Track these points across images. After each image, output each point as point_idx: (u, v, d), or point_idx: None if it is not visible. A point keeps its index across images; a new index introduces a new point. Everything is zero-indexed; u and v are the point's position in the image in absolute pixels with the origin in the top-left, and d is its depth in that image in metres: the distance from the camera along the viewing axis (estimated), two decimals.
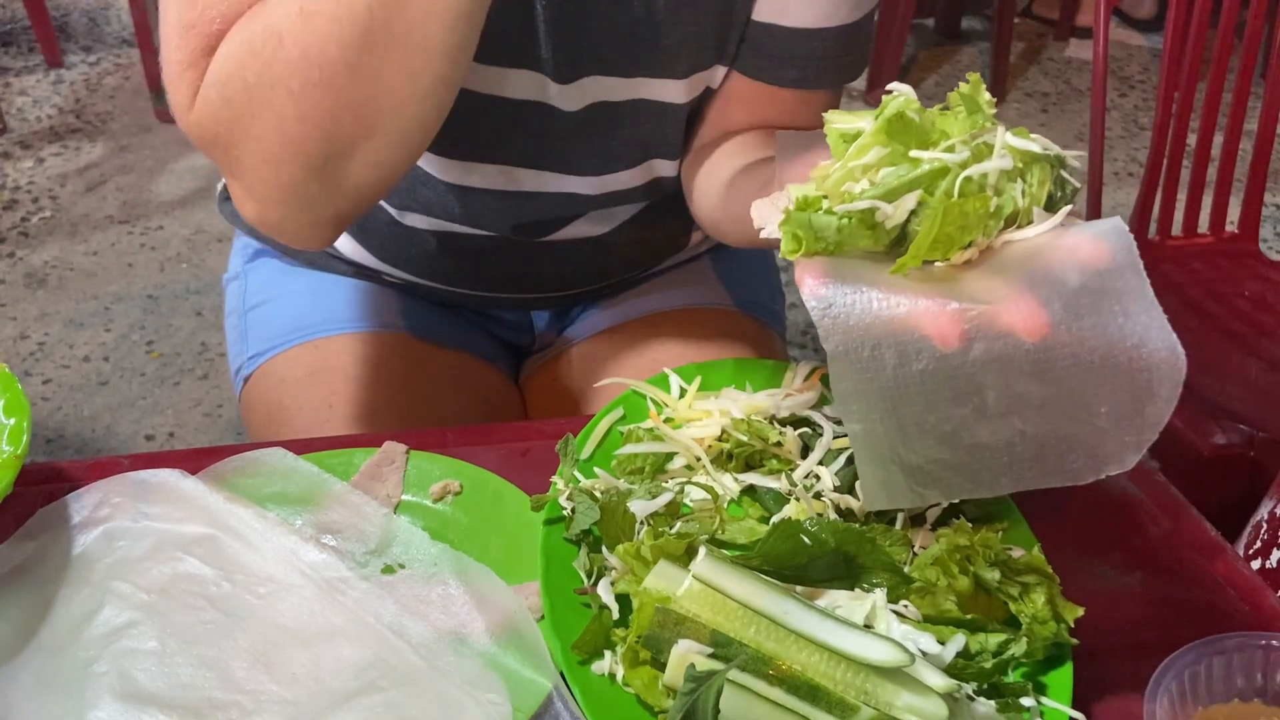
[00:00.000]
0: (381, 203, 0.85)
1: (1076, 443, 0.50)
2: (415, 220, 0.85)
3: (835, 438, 0.65)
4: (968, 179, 0.50)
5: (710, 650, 0.51)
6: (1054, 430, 0.50)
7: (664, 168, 0.84)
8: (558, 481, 0.62)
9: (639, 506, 0.59)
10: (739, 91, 0.80)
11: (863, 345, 0.48)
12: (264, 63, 0.57)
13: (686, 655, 0.50)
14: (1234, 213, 1.45)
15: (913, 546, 0.59)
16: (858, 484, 0.53)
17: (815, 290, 0.48)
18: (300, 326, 0.91)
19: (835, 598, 0.55)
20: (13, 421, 0.60)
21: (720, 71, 0.80)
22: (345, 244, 0.91)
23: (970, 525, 0.59)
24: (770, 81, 0.79)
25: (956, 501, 0.62)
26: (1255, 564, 0.93)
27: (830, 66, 0.78)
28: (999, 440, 0.50)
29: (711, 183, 0.79)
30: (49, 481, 0.65)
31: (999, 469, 0.51)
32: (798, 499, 0.61)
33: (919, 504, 0.52)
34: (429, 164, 0.81)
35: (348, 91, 0.58)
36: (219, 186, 0.94)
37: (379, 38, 0.56)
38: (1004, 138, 0.51)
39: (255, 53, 0.58)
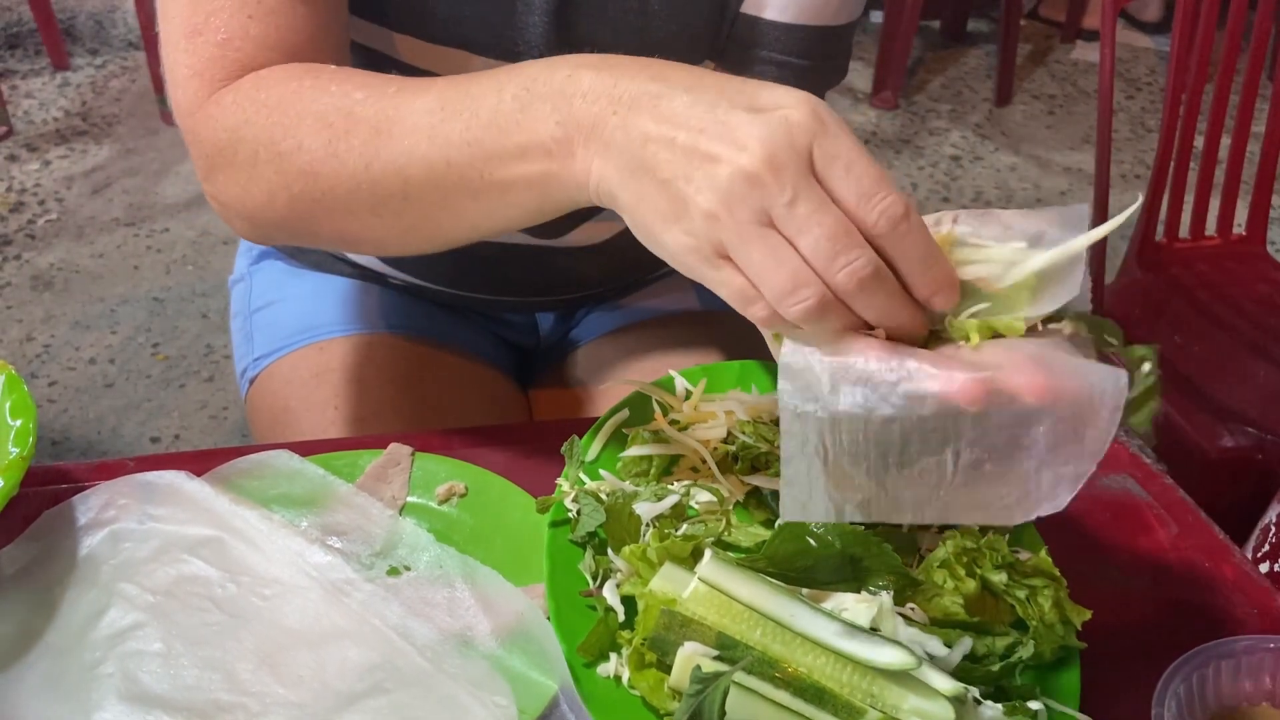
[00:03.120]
0: None
1: (1011, 476, 0.49)
2: None
3: None
4: None
5: (716, 653, 0.50)
6: (988, 459, 0.49)
7: None
8: (563, 483, 0.61)
9: (644, 509, 0.59)
10: None
11: (821, 378, 0.48)
12: (279, 155, 0.61)
13: (692, 657, 0.50)
14: (1241, 215, 1.44)
15: (919, 549, 0.59)
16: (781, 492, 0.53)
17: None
18: (305, 328, 0.91)
19: (841, 600, 0.54)
20: (19, 423, 0.60)
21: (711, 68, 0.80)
22: None
23: (977, 528, 0.59)
24: (751, 77, 0.78)
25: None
26: (1264, 567, 0.92)
27: (808, 69, 0.78)
28: (930, 476, 0.50)
29: None
30: (54, 483, 0.65)
31: (925, 500, 0.51)
32: None
33: (835, 519, 0.52)
34: None
35: (347, 221, 0.62)
36: None
37: (393, 205, 0.60)
38: None
39: (275, 143, 0.61)
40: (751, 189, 0.47)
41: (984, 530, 0.58)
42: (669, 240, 0.51)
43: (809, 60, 0.78)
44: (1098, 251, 1.29)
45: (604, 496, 0.59)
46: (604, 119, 0.51)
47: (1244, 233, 1.43)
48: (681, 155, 0.49)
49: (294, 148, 0.60)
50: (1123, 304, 1.35)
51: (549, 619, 0.56)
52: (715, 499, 0.61)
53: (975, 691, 0.52)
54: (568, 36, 0.75)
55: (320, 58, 0.66)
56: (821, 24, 0.77)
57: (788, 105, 0.48)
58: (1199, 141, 1.35)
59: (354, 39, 0.77)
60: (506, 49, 0.75)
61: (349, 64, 0.71)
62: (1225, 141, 1.37)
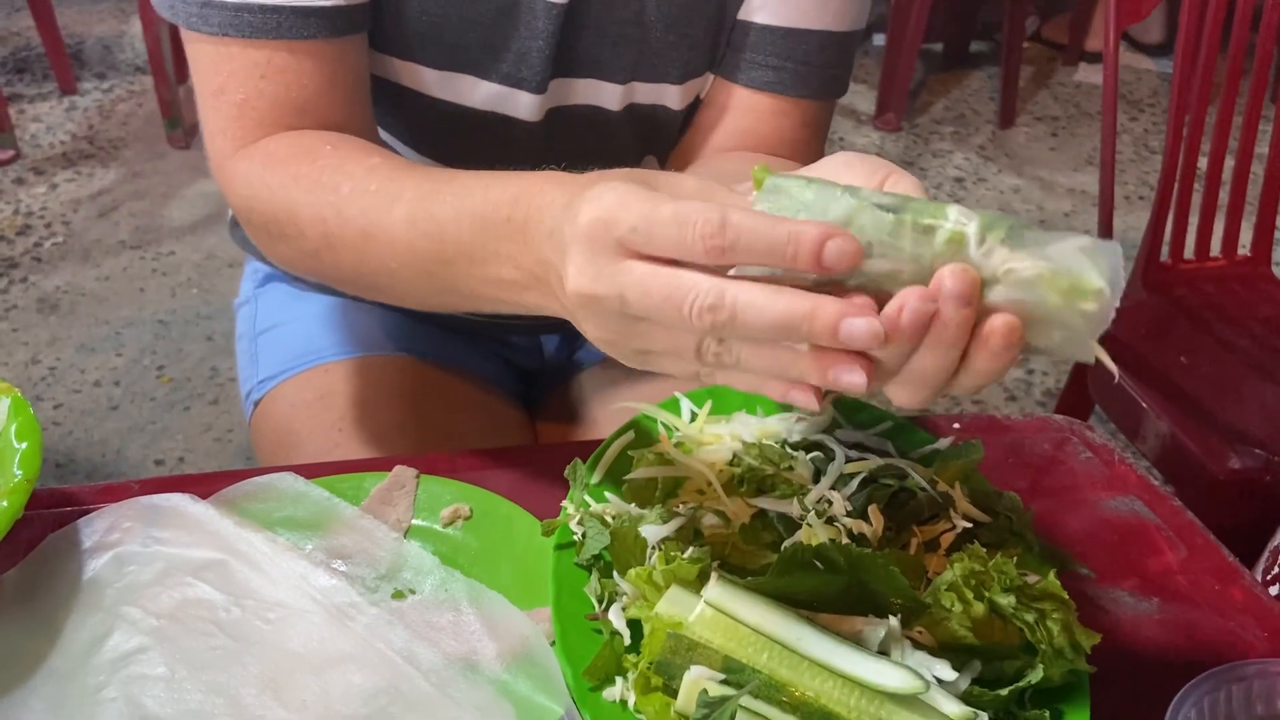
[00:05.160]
0: None
1: None
2: None
3: (847, 462, 0.65)
4: None
5: (723, 676, 0.50)
6: None
7: None
8: (568, 506, 0.61)
9: (650, 531, 0.58)
10: (716, 96, 0.81)
11: None
12: (285, 237, 0.67)
13: (699, 681, 0.50)
14: (1246, 236, 1.44)
15: (927, 572, 0.59)
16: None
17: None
18: (310, 351, 0.91)
19: (848, 623, 0.54)
20: (24, 446, 0.60)
21: (710, 79, 0.81)
22: None
23: (985, 550, 0.59)
24: (745, 84, 0.79)
25: (970, 526, 0.61)
26: (1274, 589, 0.92)
27: (807, 75, 0.79)
28: None
29: None
30: (59, 506, 0.65)
31: None
32: (810, 524, 0.61)
33: None
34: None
35: (359, 290, 0.70)
36: (230, 213, 0.95)
37: (396, 291, 0.66)
38: None
39: (281, 225, 0.67)
40: (593, 307, 0.48)
41: (991, 553, 0.57)
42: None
43: (810, 66, 0.78)
44: None
45: (609, 519, 0.59)
46: (529, 268, 0.54)
47: (1249, 254, 1.43)
48: (564, 300, 0.51)
49: (297, 234, 0.66)
50: (1128, 325, 1.35)
51: (554, 643, 0.56)
52: (721, 521, 0.61)
53: (984, 716, 0.52)
54: (569, 56, 0.76)
55: (334, 109, 0.70)
56: (820, 28, 0.77)
57: (586, 212, 0.48)
58: (1202, 163, 1.35)
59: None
60: (509, 73, 0.76)
61: (367, 108, 0.73)
62: (1229, 163, 1.37)
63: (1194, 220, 1.40)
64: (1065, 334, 0.45)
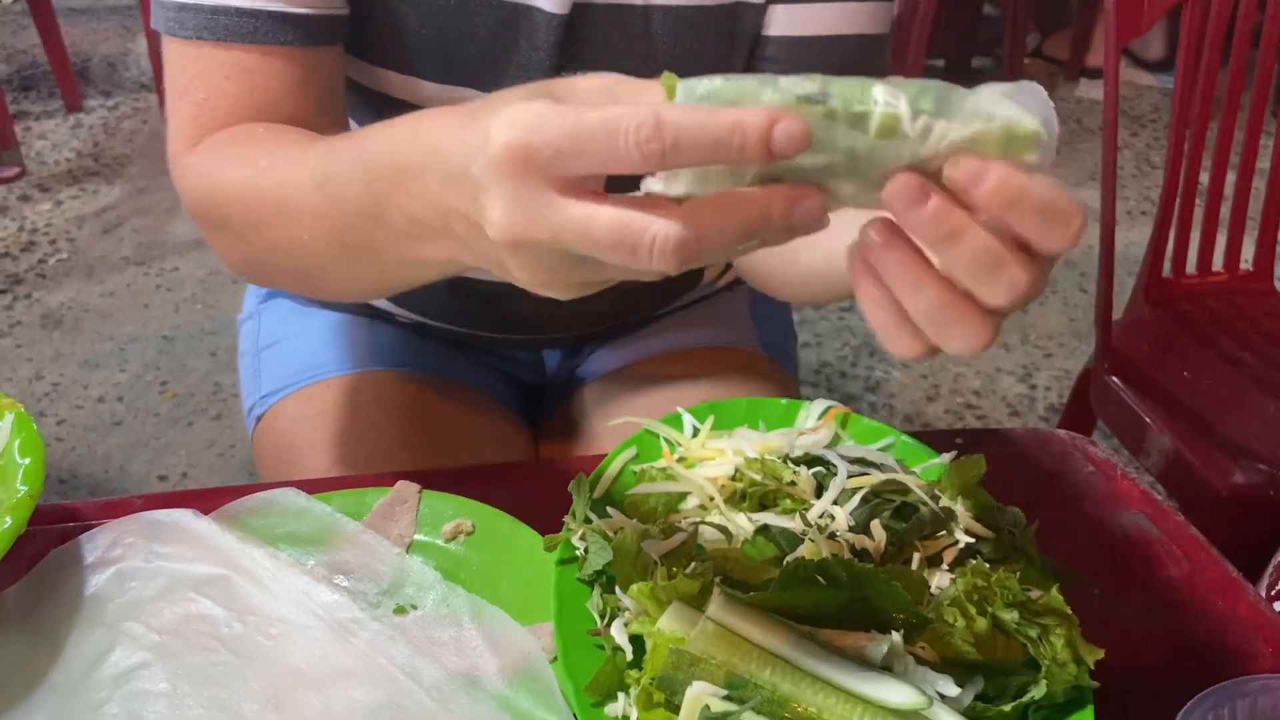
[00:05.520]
0: None
1: None
2: None
3: (849, 477, 0.65)
4: None
5: (725, 692, 0.50)
6: None
7: None
8: (570, 521, 0.61)
9: (652, 546, 0.58)
10: None
11: None
12: (216, 225, 0.66)
13: (701, 697, 0.50)
14: (1248, 251, 1.44)
15: (929, 587, 0.59)
16: None
17: None
18: (313, 366, 0.91)
19: (851, 639, 0.54)
20: (27, 461, 0.60)
21: None
22: None
23: (987, 565, 0.59)
24: None
25: (972, 541, 0.61)
26: (1278, 605, 0.91)
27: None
28: None
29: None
30: (62, 521, 0.65)
31: None
32: (812, 539, 0.61)
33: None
34: None
35: (295, 280, 0.68)
36: None
37: (321, 272, 0.63)
38: None
39: (211, 213, 0.65)
40: (529, 251, 0.43)
41: (994, 568, 0.57)
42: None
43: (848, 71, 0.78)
44: (1104, 288, 1.29)
45: (612, 534, 0.59)
46: (435, 220, 0.49)
47: (1251, 268, 1.43)
48: (487, 246, 0.46)
49: (224, 217, 0.64)
50: (1131, 340, 1.35)
51: (556, 658, 0.55)
52: (723, 537, 0.61)
53: None
54: (572, 70, 0.76)
55: (303, 111, 0.69)
56: (857, 31, 0.77)
57: (495, 142, 0.42)
58: (1204, 178, 1.36)
59: (359, 81, 0.78)
60: (511, 85, 0.76)
61: (341, 113, 0.73)
62: (1230, 178, 1.38)
63: (1196, 235, 1.40)
64: None
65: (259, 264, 0.68)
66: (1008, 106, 0.42)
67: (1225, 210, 1.40)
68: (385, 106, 0.78)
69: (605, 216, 0.41)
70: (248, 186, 0.62)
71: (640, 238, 0.41)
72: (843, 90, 0.42)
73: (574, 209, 0.42)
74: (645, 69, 0.77)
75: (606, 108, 0.41)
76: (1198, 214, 1.37)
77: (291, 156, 0.60)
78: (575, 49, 0.75)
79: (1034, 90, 0.43)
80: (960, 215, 0.42)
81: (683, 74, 0.43)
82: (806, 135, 0.40)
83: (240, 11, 0.66)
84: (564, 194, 0.42)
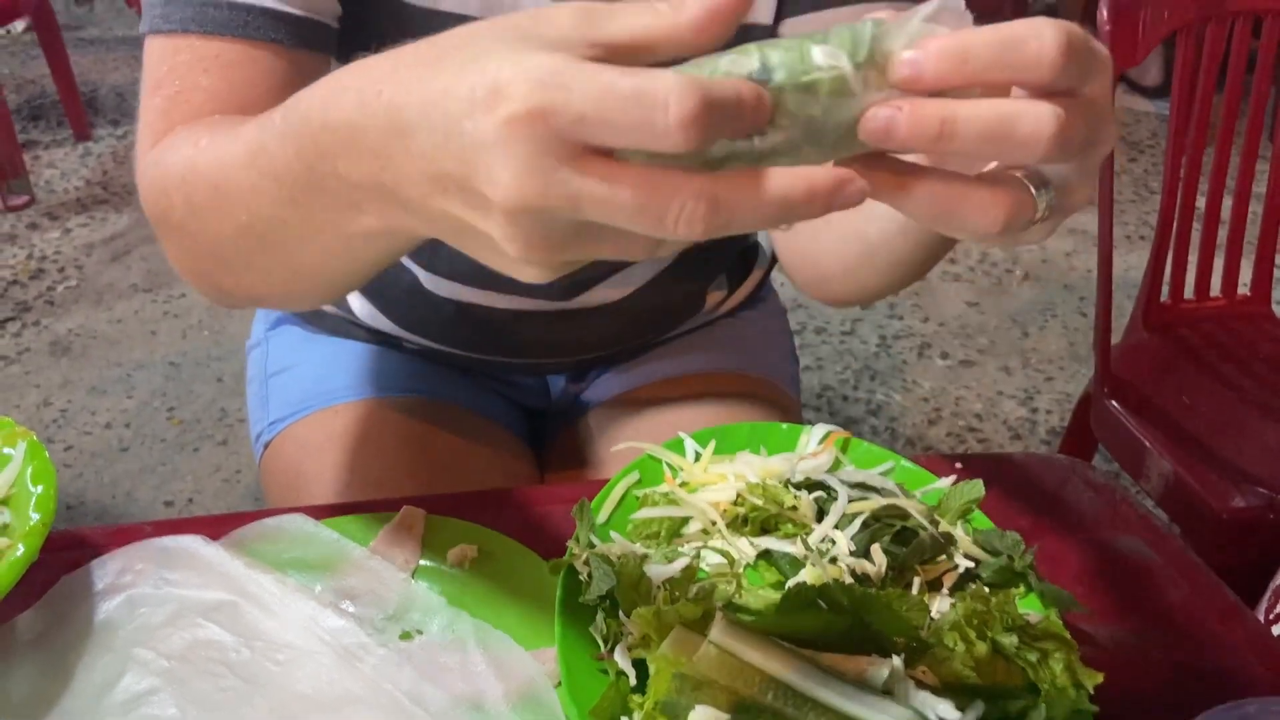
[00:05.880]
0: (406, 265, 0.87)
1: None
2: (438, 286, 0.87)
3: (850, 502, 0.65)
4: None
5: (728, 716, 0.50)
6: None
7: None
8: (574, 546, 0.62)
9: (655, 571, 0.59)
10: None
11: None
12: (160, 216, 0.60)
13: None
14: (1247, 275, 1.45)
15: (930, 611, 0.59)
16: None
17: None
18: (320, 392, 0.92)
19: (853, 663, 0.54)
20: (40, 489, 0.61)
21: None
22: (364, 310, 0.93)
23: (987, 590, 0.59)
24: None
25: (972, 565, 0.62)
26: (1277, 629, 0.92)
27: None
28: None
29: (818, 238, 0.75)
30: (71, 549, 0.65)
31: None
32: (813, 564, 0.61)
33: None
34: None
35: (240, 276, 0.59)
36: None
37: (261, 258, 0.56)
38: None
39: (157, 203, 0.60)
40: (536, 219, 0.39)
41: (994, 592, 0.58)
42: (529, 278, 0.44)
43: None
44: (1103, 313, 1.30)
45: (615, 559, 0.60)
46: (379, 183, 0.43)
47: (1249, 293, 1.44)
48: (462, 211, 0.41)
49: (168, 211, 0.59)
50: (1130, 365, 1.36)
51: (560, 683, 0.56)
52: (726, 561, 0.62)
53: None
54: None
55: None
56: None
57: (511, 98, 0.37)
58: (1201, 203, 1.37)
59: None
60: None
61: None
62: (1227, 203, 1.39)
63: (1193, 260, 1.41)
64: None
65: (205, 258, 0.61)
66: (935, 28, 0.40)
67: (1222, 234, 1.41)
68: None
69: (630, 181, 0.38)
70: (186, 169, 0.57)
71: (669, 204, 0.38)
72: (784, 60, 0.40)
73: (596, 173, 0.38)
74: None
75: (637, 75, 0.37)
76: (1195, 239, 1.38)
77: (231, 133, 0.54)
78: None
79: (954, 4, 0.41)
80: (935, 103, 0.40)
81: None
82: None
83: (232, 5, 0.64)
84: (583, 158, 0.38)
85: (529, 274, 0.43)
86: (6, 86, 2.61)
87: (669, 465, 0.69)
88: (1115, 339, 1.37)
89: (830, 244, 0.73)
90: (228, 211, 0.54)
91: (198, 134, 0.59)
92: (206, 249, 0.59)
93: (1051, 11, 3.32)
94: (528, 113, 0.37)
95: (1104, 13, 1.21)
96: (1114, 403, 1.30)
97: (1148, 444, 1.24)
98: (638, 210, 0.38)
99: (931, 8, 0.41)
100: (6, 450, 0.64)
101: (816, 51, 0.40)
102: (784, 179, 0.38)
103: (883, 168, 0.42)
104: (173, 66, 0.64)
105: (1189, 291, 1.43)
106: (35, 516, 0.59)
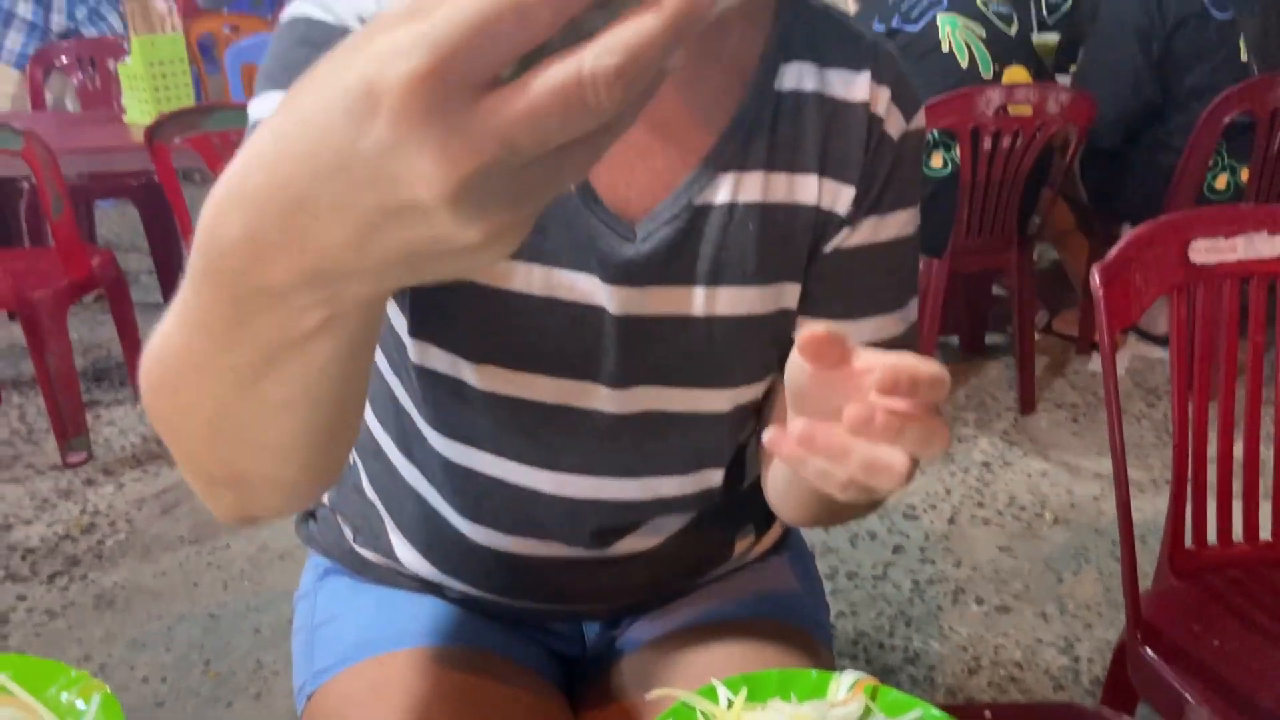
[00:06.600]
0: (451, 519, 0.92)
1: None
2: (480, 535, 0.92)
3: None
4: None
5: None
6: None
7: (714, 477, 0.92)
8: None
9: None
10: None
11: None
12: (146, 396, 0.57)
13: None
14: (1267, 517, 1.48)
15: None
16: None
17: None
18: (365, 642, 0.95)
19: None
20: None
21: (766, 383, 0.89)
22: (410, 558, 0.97)
23: None
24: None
25: None
26: None
27: (878, 286, 0.88)
28: None
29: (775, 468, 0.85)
30: None
31: None
32: None
33: None
34: (495, 468, 0.88)
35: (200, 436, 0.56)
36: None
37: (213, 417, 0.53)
38: None
39: (144, 390, 0.57)
40: (477, 186, 0.36)
41: None
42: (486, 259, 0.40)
43: (881, 278, 0.88)
44: (1127, 561, 1.32)
45: None
46: (304, 269, 0.41)
47: (1270, 539, 1.46)
48: (402, 235, 0.38)
49: (147, 400, 0.57)
50: (1163, 612, 1.37)
51: None
52: None
53: None
54: (638, 362, 0.84)
55: None
56: (906, 235, 0.88)
57: (385, 87, 0.35)
58: (1213, 449, 1.41)
59: (424, 365, 0.84)
60: (579, 368, 0.83)
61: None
62: (1239, 450, 1.43)
63: (1212, 506, 1.44)
64: None
65: (188, 450, 0.58)
66: None
67: (1238, 483, 1.45)
68: (449, 389, 0.85)
69: (539, 86, 0.35)
70: (145, 356, 0.55)
71: (582, 83, 0.34)
72: None
73: (507, 101, 0.35)
74: (705, 367, 0.86)
75: None
76: (1212, 483, 1.42)
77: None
78: (641, 348, 0.83)
79: None
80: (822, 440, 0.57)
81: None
82: None
83: None
84: (483, 98, 0.35)
85: (495, 252, 0.39)
86: (75, 350, 2.78)
87: (702, 713, 0.72)
88: (1147, 584, 1.38)
89: (771, 478, 0.85)
90: (179, 383, 0.52)
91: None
92: (186, 435, 0.56)
93: (1054, 286, 3.50)
94: (408, 88, 0.34)
95: (1096, 277, 1.31)
96: (1148, 650, 1.30)
97: (1185, 694, 1.23)
98: (563, 107, 0.35)
99: None
100: (79, 704, 0.68)
101: None
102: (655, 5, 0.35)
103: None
104: None
105: (1212, 536, 1.45)
106: None
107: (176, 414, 0.55)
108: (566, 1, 0.35)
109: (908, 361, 0.55)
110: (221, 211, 0.42)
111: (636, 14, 0.35)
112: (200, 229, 0.43)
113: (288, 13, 0.76)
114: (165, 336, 0.52)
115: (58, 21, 3.73)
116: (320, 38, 0.73)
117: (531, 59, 0.35)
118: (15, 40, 3.71)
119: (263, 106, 0.73)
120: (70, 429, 2.62)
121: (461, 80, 0.34)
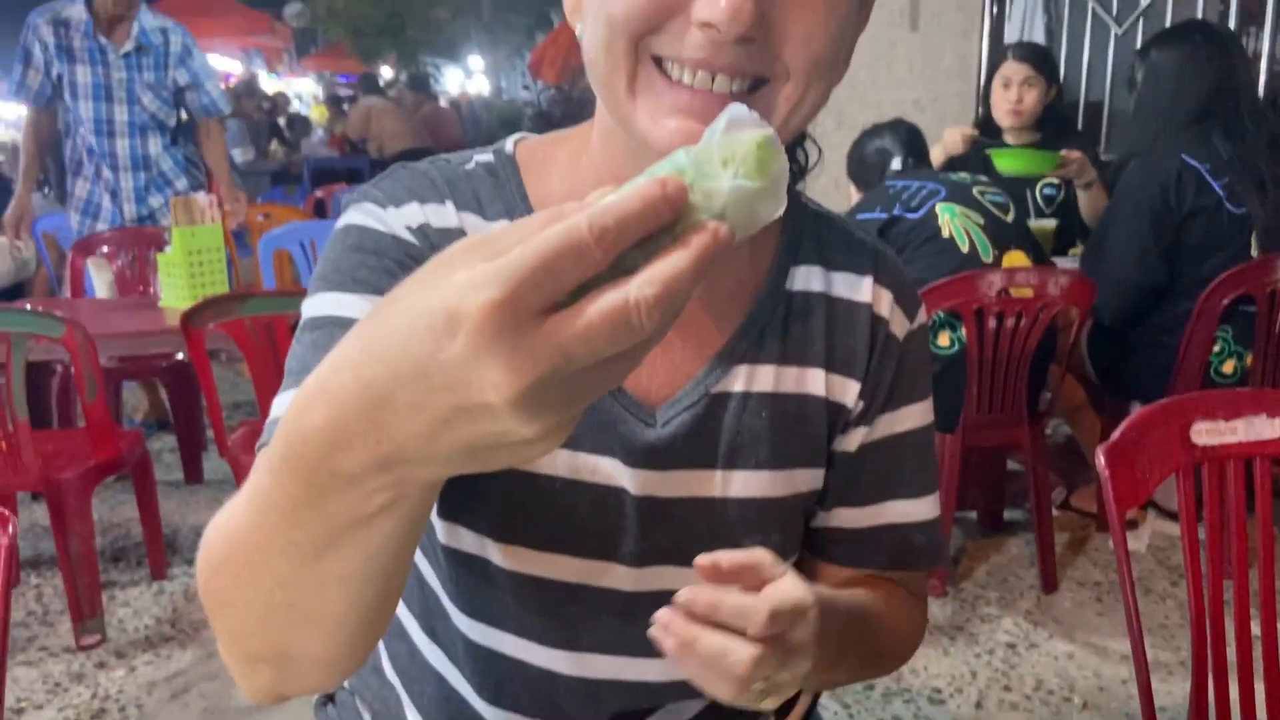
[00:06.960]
0: (469, 698, 0.92)
1: None
2: (499, 718, 0.91)
3: None
4: None
5: None
6: None
7: None
8: None
9: None
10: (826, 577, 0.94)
11: None
12: (211, 579, 0.62)
13: None
14: None
15: None
16: None
17: None
18: None
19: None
20: None
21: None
22: None
23: None
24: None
25: None
26: None
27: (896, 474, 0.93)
28: None
29: None
30: None
31: None
32: None
33: None
34: (517, 650, 0.89)
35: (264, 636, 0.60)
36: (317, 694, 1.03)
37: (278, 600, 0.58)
38: None
39: (201, 563, 0.62)
40: (538, 391, 0.44)
41: None
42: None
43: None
44: None
45: None
46: (377, 457, 0.47)
47: None
48: (471, 431, 0.46)
49: (204, 578, 0.61)
50: None
51: None
52: None
53: None
54: (656, 542, 0.86)
55: None
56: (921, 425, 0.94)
57: (465, 312, 0.44)
58: (1231, 629, 1.40)
59: (453, 545, 0.86)
60: (600, 548, 0.86)
61: None
62: (1256, 629, 1.42)
63: (1235, 687, 1.42)
64: (762, 203, 0.49)
65: (239, 637, 0.61)
66: (736, 133, 0.49)
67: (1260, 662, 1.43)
68: (476, 570, 0.86)
69: (593, 312, 0.44)
70: (209, 533, 0.60)
71: (628, 310, 0.44)
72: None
73: (566, 323, 0.44)
74: (719, 546, 0.89)
75: (543, 229, 0.44)
76: (1233, 663, 1.40)
77: (240, 492, 0.57)
78: (660, 531, 0.86)
79: (734, 111, 0.50)
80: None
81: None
82: (683, 188, 0.46)
83: None
84: (547, 321, 0.44)
85: (547, 445, 0.47)
86: (94, 530, 2.80)
87: None
88: None
89: None
90: (242, 559, 0.56)
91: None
92: (240, 610, 0.59)
93: (1071, 461, 3.52)
94: (485, 313, 0.43)
95: (1101, 460, 1.34)
96: None
97: None
98: (611, 328, 0.44)
99: (720, 124, 0.49)
100: None
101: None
102: (695, 238, 0.46)
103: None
104: None
105: (1236, 719, 1.42)
106: None
107: (235, 589, 0.59)
108: (615, 243, 0.44)
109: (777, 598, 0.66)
110: (308, 405, 0.48)
111: (671, 252, 0.45)
112: (285, 420, 0.50)
113: (342, 220, 0.83)
114: (233, 515, 0.57)
115: (129, 210, 3.91)
116: (372, 245, 0.79)
117: (585, 288, 0.45)
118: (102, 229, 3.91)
119: (316, 305, 0.79)
120: (86, 611, 2.61)
121: (528, 307, 0.43)
